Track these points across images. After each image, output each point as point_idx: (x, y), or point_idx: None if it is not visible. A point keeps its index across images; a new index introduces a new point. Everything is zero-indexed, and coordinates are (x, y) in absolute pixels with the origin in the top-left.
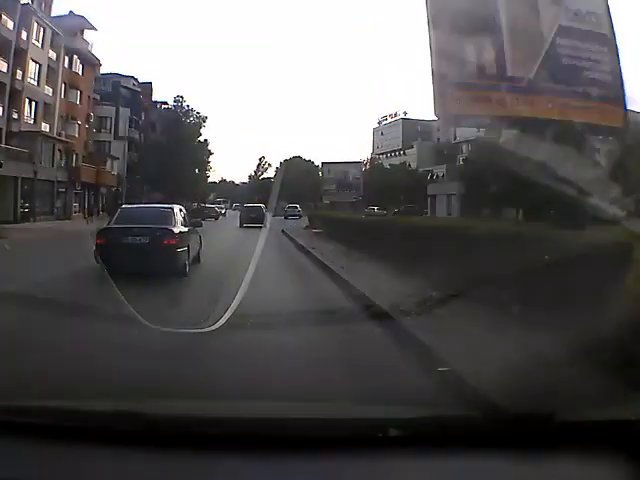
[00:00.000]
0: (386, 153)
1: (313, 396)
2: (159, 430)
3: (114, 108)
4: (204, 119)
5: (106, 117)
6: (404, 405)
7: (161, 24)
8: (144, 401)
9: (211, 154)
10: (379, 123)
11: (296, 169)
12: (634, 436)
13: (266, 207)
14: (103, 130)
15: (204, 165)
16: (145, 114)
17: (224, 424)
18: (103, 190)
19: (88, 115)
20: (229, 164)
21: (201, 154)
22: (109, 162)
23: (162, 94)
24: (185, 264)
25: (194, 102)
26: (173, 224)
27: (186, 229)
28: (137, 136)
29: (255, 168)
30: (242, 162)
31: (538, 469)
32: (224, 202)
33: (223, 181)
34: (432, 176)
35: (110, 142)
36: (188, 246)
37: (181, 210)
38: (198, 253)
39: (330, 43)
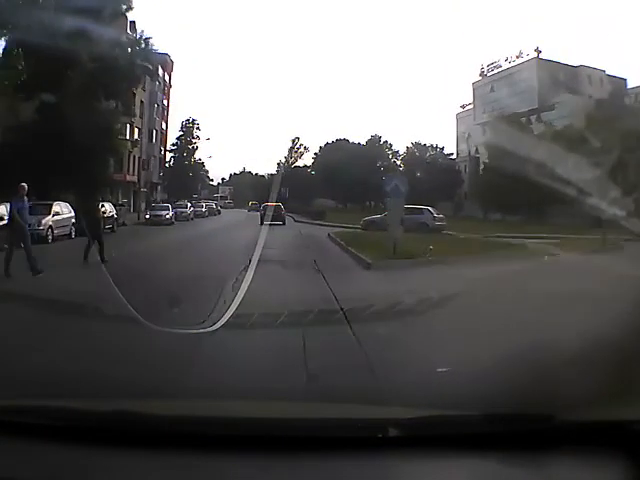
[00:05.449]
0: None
1: None
2: (159, 430)
3: None
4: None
5: None
6: (404, 405)
7: None
8: (144, 401)
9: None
10: (482, 75)
11: (344, 155)
12: (634, 436)
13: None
14: None
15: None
16: None
17: (224, 424)
18: None
19: None
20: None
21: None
22: None
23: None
24: None
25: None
26: None
27: None
28: None
29: (286, 153)
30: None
31: (538, 469)
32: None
33: (248, 173)
34: None
35: None
36: None
37: None
38: None
39: None
